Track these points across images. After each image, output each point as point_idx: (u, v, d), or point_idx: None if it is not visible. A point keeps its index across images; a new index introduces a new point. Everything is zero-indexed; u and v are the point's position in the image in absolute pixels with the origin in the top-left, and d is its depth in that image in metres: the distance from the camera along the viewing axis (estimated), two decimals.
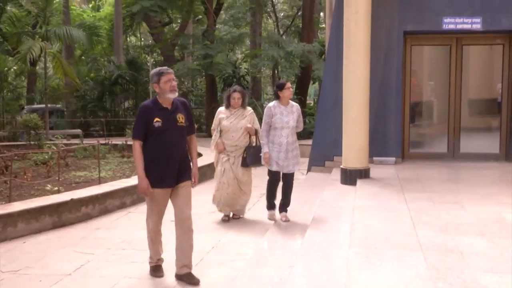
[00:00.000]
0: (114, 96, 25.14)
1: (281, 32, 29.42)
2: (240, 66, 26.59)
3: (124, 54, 28.17)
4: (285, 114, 7.47)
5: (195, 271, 5.53)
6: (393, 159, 11.56)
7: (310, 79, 24.23)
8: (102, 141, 15.36)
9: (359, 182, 9.24)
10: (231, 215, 8.08)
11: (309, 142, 11.06)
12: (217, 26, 26.20)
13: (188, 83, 28.59)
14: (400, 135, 12.02)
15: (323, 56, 22.46)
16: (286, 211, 7.66)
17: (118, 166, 12.67)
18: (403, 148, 12.24)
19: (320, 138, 12.00)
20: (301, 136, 19.44)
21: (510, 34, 12.07)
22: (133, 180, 9.04)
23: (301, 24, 25.10)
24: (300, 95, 22.95)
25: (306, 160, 11.78)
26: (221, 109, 8.15)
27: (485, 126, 12.92)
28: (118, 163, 13.22)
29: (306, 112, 21.58)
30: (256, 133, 7.91)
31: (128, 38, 35.40)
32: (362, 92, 9.79)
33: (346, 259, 5.35)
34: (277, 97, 7.59)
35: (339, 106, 10.47)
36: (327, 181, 10.16)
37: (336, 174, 10.15)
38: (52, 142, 16.14)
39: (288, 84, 7.58)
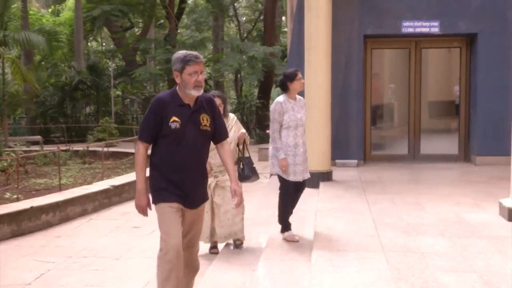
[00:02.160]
0: (75, 102, 24.79)
1: (243, 36, 29.46)
2: None
3: (85, 59, 27.82)
4: (296, 110, 6.27)
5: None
6: (355, 161, 11.68)
7: (273, 83, 24.32)
8: (63, 147, 15.15)
9: (322, 185, 9.30)
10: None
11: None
12: (179, 31, 26.10)
13: (151, 88, 28.41)
14: (362, 137, 12.15)
15: (285, 59, 22.56)
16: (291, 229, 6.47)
17: (79, 172, 12.51)
18: (364, 150, 12.37)
19: None
20: (263, 139, 19.50)
21: (467, 38, 12.32)
22: (94, 187, 8.95)
23: (263, 29, 25.18)
24: (263, 99, 23.02)
25: (267, 164, 11.77)
26: None
27: (444, 128, 13.16)
28: (79, 169, 13.05)
29: (268, 116, 21.66)
30: (244, 141, 6.39)
31: (89, 43, 34.99)
32: (323, 96, 9.86)
33: (309, 262, 5.38)
34: (284, 89, 6.33)
35: None
36: None
37: None
38: (11, 149, 15.82)
39: (300, 75, 6.34)
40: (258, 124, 22.26)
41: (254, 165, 6.22)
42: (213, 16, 25.55)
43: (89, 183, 10.40)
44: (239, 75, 26.24)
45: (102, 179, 10.22)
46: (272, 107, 6.31)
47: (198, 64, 4.08)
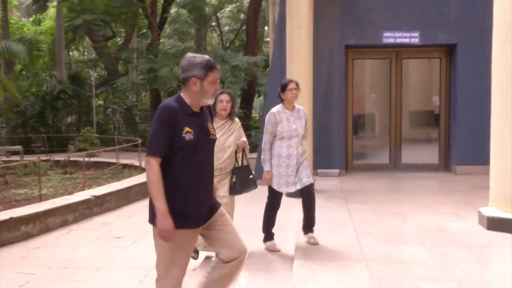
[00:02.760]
0: (56, 112, 24.61)
1: (226, 46, 29.53)
2: None
3: (66, 69, 27.68)
4: (292, 120, 6.16)
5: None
6: (337, 171, 11.73)
7: (255, 92, 24.38)
8: (44, 157, 15.03)
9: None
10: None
11: (255, 155, 11.10)
12: (161, 40, 26.07)
13: (133, 98, 28.31)
14: (344, 147, 12.22)
15: (268, 69, 22.64)
16: (312, 231, 6.37)
17: (60, 182, 12.41)
18: (346, 160, 12.43)
19: None
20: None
21: (446, 48, 12.47)
22: (75, 197, 8.87)
23: (245, 38, 25.25)
24: (246, 109, 23.06)
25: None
26: None
27: (425, 137, 13.28)
28: (60, 179, 12.95)
29: (251, 126, 21.68)
30: (243, 150, 6.05)
31: (70, 53, 34.80)
32: (305, 105, 9.86)
33: (290, 272, 5.38)
34: (281, 100, 6.27)
35: None
36: None
37: None
38: None
39: (292, 85, 6.16)
40: None
41: (251, 176, 6.01)
42: (196, 27, 25.55)
43: (70, 193, 10.31)
44: (222, 85, 26.22)
45: (83, 189, 10.14)
46: (266, 117, 6.25)
47: (218, 72, 3.77)
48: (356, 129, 13.10)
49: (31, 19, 34.71)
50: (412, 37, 11.99)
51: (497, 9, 6.99)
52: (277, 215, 6.40)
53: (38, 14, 33.23)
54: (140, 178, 10.89)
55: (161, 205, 3.48)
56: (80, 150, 18.04)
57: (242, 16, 29.99)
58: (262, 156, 6.22)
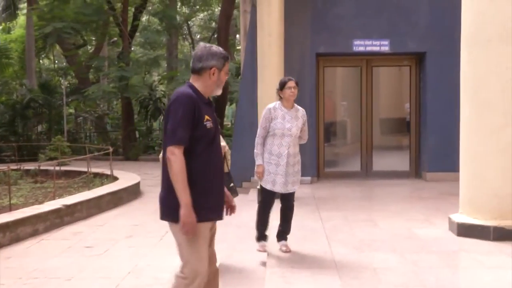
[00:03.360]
0: (26, 120, 24.29)
1: None
2: (157, 89, 26.42)
3: (37, 77, 27.33)
4: (287, 119, 6.06)
5: None
6: (309, 178, 11.76)
7: (227, 100, 24.37)
8: (14, 166, 14.81)
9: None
10: None
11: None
12: (132, 48, 25.97)
13: (104, 106, 28.09)
14: (315, 154, 12.26)
15: (239, 77, 22.68)
16: (286, 239, 6.30)
17: (30, 192, 12.24)
18: (318, 167, 12.48)
19: (237, 159, 12.05)
20: None
21: (416, 56, 12.63)
22: (46, 206, 8.74)
23: None
24: (218, 117, 22.95)
25: None
26: None
27: (396, 145, 13.40)
28: (30, 189, 12.78)
29: (223, 134, 21.64)
30: (224, 156, 5.62)
31: (41, 61, 34.43)
32: None
33: (262, 279, 5.37)
34: (279, 98, 6.21)
35: (255, 127, 10.55)
36: (244, 202, 10.18)
37: (253, 194, 10.18)
38: None
39: (291, 83, 6.11)
40: None
41: (232, 184, 5.66)
42: (167, 35, 25.50)
43: (41, 202, 10.17)
44: None
45: (54, 199, 10.01)
46: (263, 112, 6.20)
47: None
48: (328, 136, 13.17)
49: (0, 27, 34.26)
50: (382, 45, 12.12)
51: (465, 18, 7.10)
52: (269, 214, 6.25)
53: (8, 22, 32.80)
54: (111, 187, 10.80)
55: (187, 198, 3.39)
56: (51, 159, 17.81)
57: (213, 24, 30.02)
58: (254, 149, 6.12)
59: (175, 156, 3.40)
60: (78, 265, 6.34)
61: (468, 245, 6.46)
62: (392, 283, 5.05)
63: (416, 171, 12.75)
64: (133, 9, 24.25)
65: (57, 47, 28.88)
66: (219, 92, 3.73)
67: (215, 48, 3.68)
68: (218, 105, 23.99)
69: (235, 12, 24.44)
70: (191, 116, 3.45)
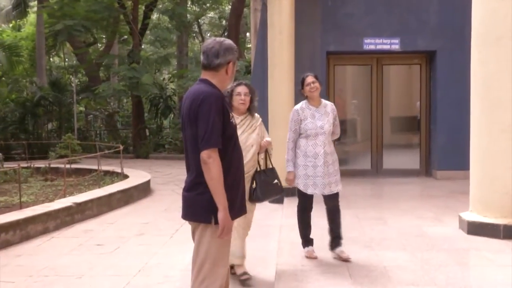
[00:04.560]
0: (36, 118, 24.40)
1: None
2: (167, 87, 26.48)
3: (47, 75, 27.45)
4: (317, 117, 5.77)
5: None
6: None
7: None
8: (24, 164, 14.90)
9: (286, 200, 9.32)
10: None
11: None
12: (143, 46, 26.03)
13: (114, 104, 28.19)
14: None
15: (249, 75, 22.70)
16: (340, 244, 5.92)
17: (41, 190, 12.30)
18: None
19: None
20: None
21: (426, 54, 12.60)
22: (56, 204, 8.79)
23: None
24: None
25: None
26: None
27: (406, 143, 13.38)
28: (41, 186, 12.84)
29: None
30: (266, 151, 5.47)
31: (51, 59, 34.57)
32: (287, 111, 9.86)
33: (272, 277, 5.39)
34: (304, 97, 5.92)
35: (265, 125, 10.58)
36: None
37: None
38: None
39: (309, 79, 5.80)
40: None
41: (275, 181, 5.34)
42: (177, 33, 25.55)
43: (51, 200, 10.23)
44: None
45: (64, 196, 10.06)
46: (290, 115, 5.90)
47: None
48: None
49: (10, 25, 34.45)
50: (392, 44, 12.10)
51: (475, 16, 7.08)
52: (310, 218, 6.03)
53: (18, 20, 32.99)
54: (122, 185, 10.84)
55: (226, 201, 3.35)
56: (61, 156, 17.91)
57: (223, 22, 30.05)
58: (286, 155, 5.84)
59: (213, 159, 3.33)
60: (88, 263, 6.38)
61: (478, 243, 6.45)
62: (402, 281, 5.06)
63: (427, 169, 12.72)
64: (143, 7, 24.32)
65: (67, 45, 29.02)
66: (230, 85, 3.74)
67: (227, 41, 3.61)
68: None
69: (245, 10, 24.48)
70: (221, 117, 3.40)
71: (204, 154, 3.34)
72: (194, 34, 32.26)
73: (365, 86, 13.02)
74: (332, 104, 6.04)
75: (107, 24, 23.08)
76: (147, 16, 24.20)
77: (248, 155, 5.14)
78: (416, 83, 12.95)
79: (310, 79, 5.79)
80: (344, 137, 13.41)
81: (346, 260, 5.68)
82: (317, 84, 5.78)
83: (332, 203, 5.91)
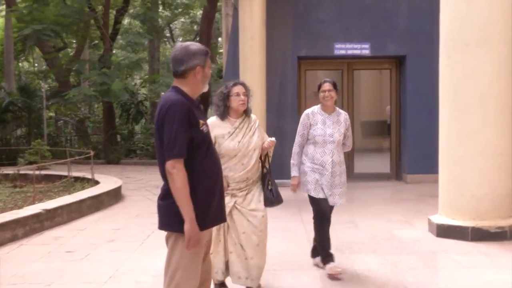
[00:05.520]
0: (5, 124, 24.01)
1: None
2: (139, 92, 26.33)
3: (16, 80, 27.07)
4: (328, 124, 5.44)
5: None
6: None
7: (209, 103, 24.36)
8: None
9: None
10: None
11: None
12: (114, 51, 25.84)
13: (85, 109, 27.93)
14: None
15: (221, 79, 22.71)
16: (333, 260, 5.51)
17: (9, 196, 12.11)
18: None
19: None
20: None
21: (396, 59, 12.75)
22: (25, 211, 8.67)
23: None
24: None
25: None
26: (213, 120, 4.91)
27: (377, 147, 13.51)
28: (9, 193, 12.63)
29: None
30: (267, 154, 5.07)
31: (20, 64, 34.13)
32: (259, 116, 9.93)
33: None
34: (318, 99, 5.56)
35: None
36: None
37: None
38: None
39: (326, 85, 5.47)
40: None
41: (270, 187, 5.03)
42: (149, 38, 25.43)
43: (20, 207, 10.08)
44: None
45: (34, 203, 9.92)
46: (301, 118, 5.60)
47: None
48: None
49: None
50: (362, 49, 12.22)
51: (444, 22, 7.20)
52: (329, 228, 5.63)
53: None
54: (92, 191, 10.73)
55: (192, 212, 3.28)
56: (30, 163, 17.63)
57: (195, 27, 30.01)
58: (291, 159, 5.59)
59: (177, 170, 3.28)
60: (58, 270, 6.30)
61: (447, 245, 6.55)
62: (372, 285, 5.11)
63: (397, 173, 12.86)
64: (114, 12, 24.17)
65: (37, 49, 28.66)
66: (206, 88, 3.58)
67: (193, 46, 3.53)
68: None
69: (217, 15, 24.49)
70: (187, 125, 3.32)
71: (168, 165, 3.30)
72: (166, 39, 32.13)
73: None
74: (346, 114, 5.70)
75: (77, 29, 22.88)
76: (118, 20, 24.04)
77: (252, 161, 4.84)
78: (387, 87, 13.09)
79: (327, 86, 5.48)
80: None
81: (323, 268, 5.50)
82: (332, 93, 5.48)
83: (328, 212, 5.54)
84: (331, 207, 5.50)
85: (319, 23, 12.26)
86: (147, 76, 27.71)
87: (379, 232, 7.26)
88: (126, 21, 27.67)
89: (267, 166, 5.03)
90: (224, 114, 4.89)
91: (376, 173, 12.79)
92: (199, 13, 28.50)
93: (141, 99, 25.38)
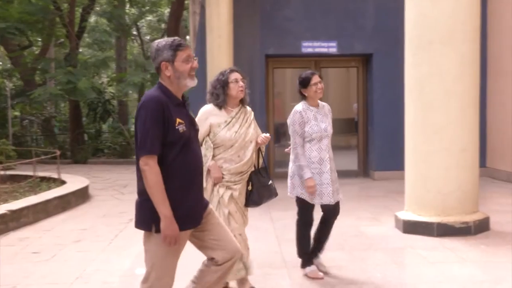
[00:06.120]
0: None
1: (147, 55, 29.22)
2: (106, 91, 26.07)
3: None
4: (320, 119, 5.26)
5: None
6: None
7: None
8: None
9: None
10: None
11: None
12: (80, 50, 25.56)
13: (51, 109, 27.55)
14: (266, 155, 12.30)
15: None
16: (319, 256, 5.55)
17: None
18: (269, 168, 12.54)
19: None
20: None
21: (363, 57, 12.87)
22: None
23: None
24: None
25: None
26: (208, 108, 4.79)
27: (344, 144, 13.62)
28: None
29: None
30: (259, 149, 4.92)
31: None
32: None
33: None
34: (302, 97, 5.37)
35: None
36: None
37: None
38: None
39: (316, 78, 5.25)
40: None
41: (270, 181, 4.94)
42: (116, 36, 25.21)
43: None
44: (142, 95, 25.98)
45: None
46: (290, 117, 5.29)
47: (189, 49, 3.46)
48: (278, 137, 13.27)
49: None
50: (330, 47, 12.31)
51: (408, 20, 7.29)
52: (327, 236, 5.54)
53: None
54: (59, 191, 10.60)
55: (167, 210, 3.22)
56: None
57: (163, 25, 29.82)
58: (296, 163, 5.26)
59: (150, 167, 3.23)
60: (24, 271, 6.22)
61: (413, 241, 6.64)
62: (341, 281, 5.16)
63: (365, 170, 12.98)
64: (80, 10, 23.88)
65: (1, 48, 28.17)
66: (190, 83, 3.43)
67: (162, 41, 3.46)
68: None
69: (184, 13, 24.37)
70: (160, 122, 3.25)
71: (140, 161, 3.27)
72: (133, 37, 31.86)
73: None
74: (328, 105, 5.57)
75: (42, 27, 22.53)
76: (84, 18, 23.78)
77: (248, 153, 4.69)
78: (354, 85, 13.21)
79: (317, 78, 5.26)
80: (284, 139, 13.52)
81: (325, 273, 5.37)
82: (322, 85, 5.30)
83: (334, 213, 5.38)
84: (337, 204, 5.33)
85: (287, 22, 12.30)
86: (114, 75, 27.45)
87: (347, 229, 7.32)
88: (92, 19, 27.37)
89: (261, 163, 4.90)
90: (221, 103, 4.71)
91: (343, 170, 12.82)
92: (166, 11, 28.32)
93: (109, 98, 25.14)
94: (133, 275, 5.98)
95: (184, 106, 3.48)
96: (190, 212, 3.43)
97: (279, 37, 12.28)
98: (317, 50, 12.36)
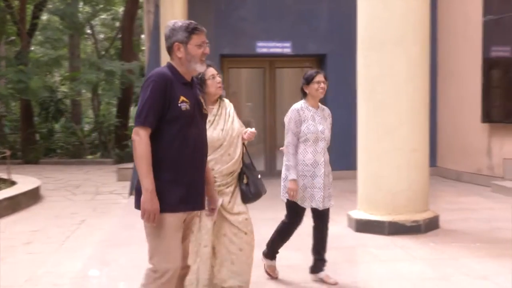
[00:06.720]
0: None
1: (101, 54, 28.84)
2: (59, 89, 25.60)
3: None
4: (317, 120, 5.07)
5: None
6: None
7: (131, 101, 24.02)
8: None
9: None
10: None
11: (131, 165, 10.99)
12: (32, 48, 25.04)
13: (1, 108, 26.92)
14: None
15: (143, 77, 22.39)
16: (324, 268, 5.33)
17: None
18: None
19: None
20: (123, 159, 19.13)
21: (317, 58, 12.99)
22: None
23: (121, 46, 24.85)
24: (122, 118, 22.68)
25: (126, 184, 11.63)
26: None
27: None
28: None
29: (128, 136, 21.30)
30: (243, 145, 4.80)
31: None
32: None
33: None
34: (303, 94, 5.21)
35: None
36: None
37: None
38: None
39: (320, 76, 5.10)
40: (117, 144, 21.83)
41: (259, 176, 4.80)
42: (69, 34, 24.78)
43: None
44: (96, 94, 25.61)
45: None
46: (287, 115, 5.16)
47: (204, 34, 3.47)
48: None
49: None
50: (284, 47, 12.40)
51: (361, 22, 7.40)
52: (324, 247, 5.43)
53: None
54: (8, 192, 10.38)
55: (150, 183, 3.17)
56: None
57: (117, 24, 29.47)
58: (285, 161, 5.14)
59: (140, 137, 3.21)
60: None
61: (365, 240, 6.75)
62: (293, 281, 5.21)
63: None
64: (32, 7, 23.40)
65: None
66: (200, 68, 3.44)
67: (180, 22, 3.45)
68: (122, 106, 23.63)
69: (139, 12, 24.14)
70: (160, 96, 3.24)
71: (133, 131, 3.27)
72: (87, 36, 31.37)
73: (259, 88, 13.23)
74: (328, 109, 5.39)
75: None
76: (36, 16, 23.32)
77: (238, 150, 4.57)
78: None
79: (321, 77, 5.11)
80: None
81: (335, 284, 5.14)
82: (325, 85, 5.15)
83: (324, 219, 5.24)
84: (327, 210, 5.20)
85: (241, 22, 12.33)
86: (67, 74, 26.99)
87: (302, 229, 7.31)
88: (45, 16, 26.83)
89: (247, 158, 4.77)
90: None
91: None
92: (121, 9, 27.99)
93: (61, 97, 24.71)
94: (85, 276, 5.92)
95: (191, 87, 3.47)
96: (186, 195, 3.34)
97: (234, 37, 12.30)
98: (272, 50, 12.44)
